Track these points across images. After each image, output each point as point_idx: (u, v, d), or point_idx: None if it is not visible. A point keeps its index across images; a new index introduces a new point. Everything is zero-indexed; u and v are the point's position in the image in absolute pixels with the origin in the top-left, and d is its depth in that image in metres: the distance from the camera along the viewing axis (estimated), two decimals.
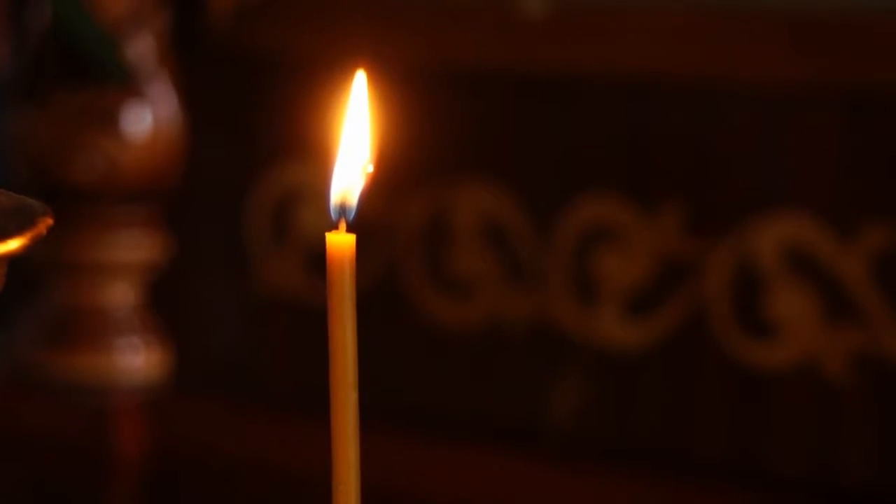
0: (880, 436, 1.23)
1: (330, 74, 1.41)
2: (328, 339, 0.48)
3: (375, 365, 1.19)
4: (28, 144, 1.45)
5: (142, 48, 1.43)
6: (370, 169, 0.51)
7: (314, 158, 1.33)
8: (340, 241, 0.48)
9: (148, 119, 1.43)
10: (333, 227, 0.49)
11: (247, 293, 1.46)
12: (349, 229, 0.49)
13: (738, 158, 1.28)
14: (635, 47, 1.32)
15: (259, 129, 1.46)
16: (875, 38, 1.24)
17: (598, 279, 1.32)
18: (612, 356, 1.31)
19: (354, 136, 0.52)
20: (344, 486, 0.49)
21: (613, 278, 1.31)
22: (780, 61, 1.27)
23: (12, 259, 0.48)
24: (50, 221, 0.50)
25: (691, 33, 1.30)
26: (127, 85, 1.42)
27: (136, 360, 1.45)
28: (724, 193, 1.27)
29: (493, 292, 1.35)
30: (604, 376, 1.32)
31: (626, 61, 1.32)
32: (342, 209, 0.50)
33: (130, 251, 1.45)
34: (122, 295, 1.46)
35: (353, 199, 0.51)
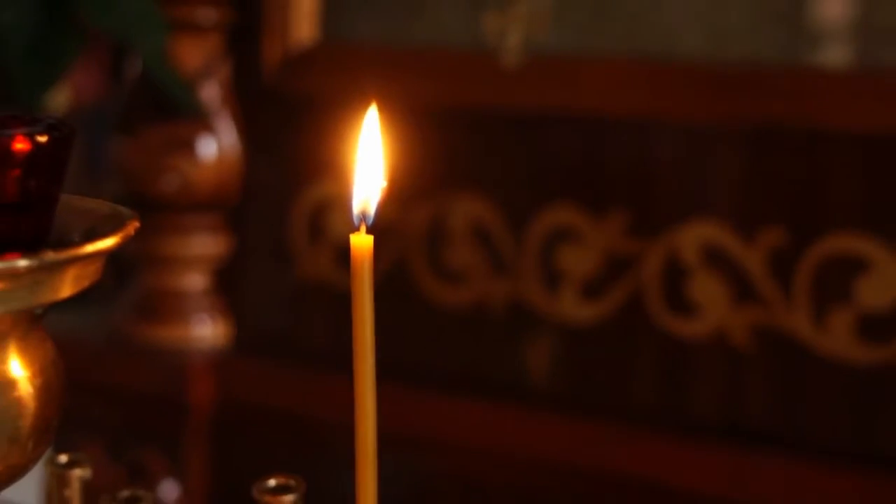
0: (776, 391, 1.23)
1: (354, 111, 1.41)
2: (352, 315, 0.50)
3: (388, 335, 1.19)
4: (123, 165, 1.46)
5: (211, 91, 1.45)
6: (384, 184, 0.53)
7: (342, 176, 1.33)
8: (362, 241, 0.50)
9: (214, 146, 1.45)
10: (356, 230, 0.51)
11: (289, 280, 1.46)
12: (368, 232, 0.51)
13: (667, 177, 1.28)
14: (589, 90, 1.31)
15: (299, 153, 1.45)
16: (771, 84, 1.25)
17: (560, 270, 1.32)
18: (570, 329, 1.31)
19: (372, 159, 0.54)
20: (363, 428, 0.51)
21: (571, 269, 1.31)
22: (699, 102, 1.26)
23: (110, 253, 0.50)
24: (137, 224, 0.51)
25: (632, 80, 1.30)
26: (199, 119, 1.44)
27: (205, 330, 1.47)
28: (656, 204, 1.28)
29: (479, 279, 1.36)
30: (564, 344, 1.32)
31: (581, 101, 1.31)
32: (363, 216, 0.52)
33: (201, 247, 1.46)
34: (194, 281, 1.47)
35: (371, 208, 0.52)
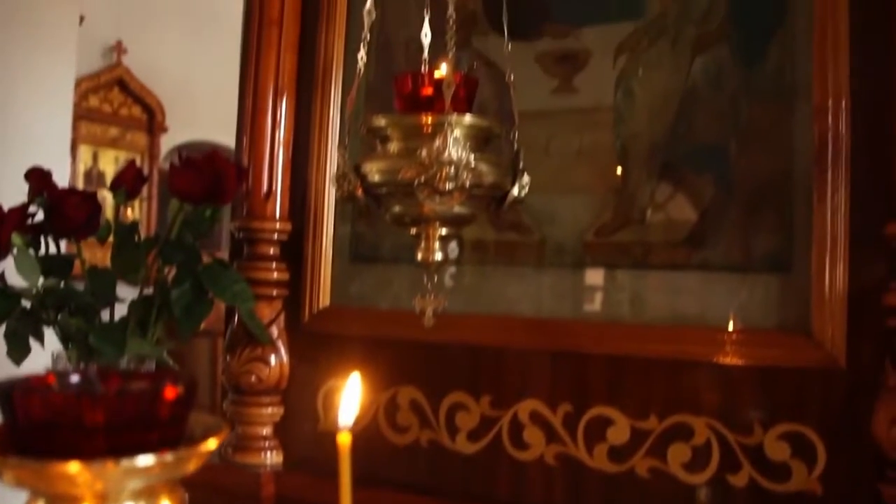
0: (568, 489, 1.23)
1: (348, 342, 1.43)
2: (339, 475, 0.50)
3: (365, 460, 1.14)
4: (228, 368, 1.43)
5: (274, 330, 1.43)
6: (358, 399, 0.54)
7: (340, 377, 1.32)
8: (344, 438, 0.50)
9: (275, 359, 1.43)
10: (342, 431, 0.51)
11: (313, 429, 1.42)
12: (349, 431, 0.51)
13: (511, 378, 1.26)
14: (468, 332, 1.30)
15: (319, 361, 1.43)
16: (561, 328, 1.25)
17: (457, 426, 1.29)
18: (462, 458, 1.28)
19: (353, 384, 0.55)
20: None
21: (463, 426, 1.29)
22: (526, 338, 1.26)
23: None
24: (228, 431, 0.53)
25: (491, 326, 1.30)
26: (268, 344, 1.43)
27: (269, 458, 1.44)
28: (506, 392, 1.26)
29: (414, 431, 1.31)
30: (459, 467, 1.29)
31: (464, 337, 1.30)
32: (345, 425, 0.52)
33: (267, 413, 1.43)
34: (265, 430, 1.44)
35: (352, 414, 0.53)
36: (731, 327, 1.16)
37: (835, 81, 1.10)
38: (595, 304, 1.26)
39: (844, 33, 1.10)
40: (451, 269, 1.36)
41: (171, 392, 0.51)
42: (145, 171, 5.06)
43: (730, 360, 1.15)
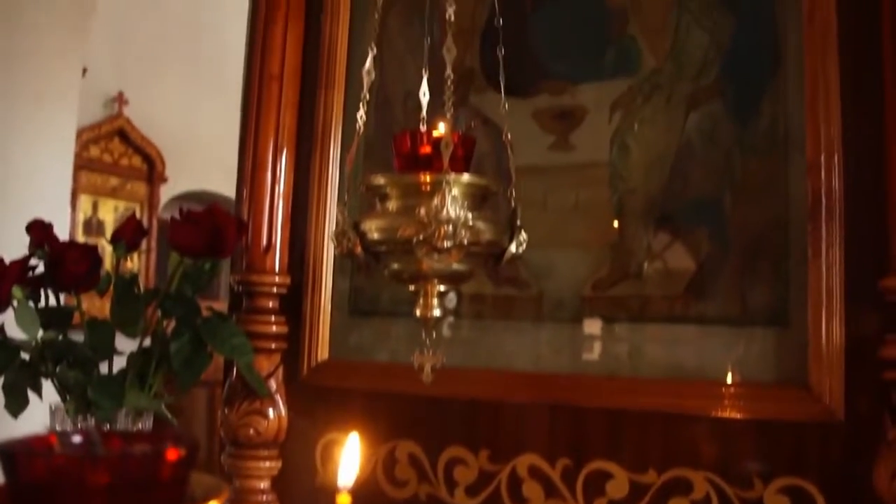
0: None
1: (346, 396, 1.43)
2: None
3: None
4: (226, 422, 1.42)
5: (273, 384, 1.43)
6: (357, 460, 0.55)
7: (339, 430, 1.33)
8: (344, 500, 0.51)
9: (273, 412, 1.43)
10: (341, 492, 0.51)
11: (311, 482, 1.42)
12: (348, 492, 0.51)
13: (509, 431, 1.27)
14: (467, 387, 1.31)
15: (317, 415, 1.43)
16: (560, 382, 1.26)
17: (455, 480, 1.29)
18: None
19: (352, 443, 0.56)
20: None
21: (461, 480, 1.28)
22: (525, 392, 1.27)
23: None
24: (227, 493, 0.53)
25: (490, 381, 1.30)
26: (266, 398, 1.42)
27: None
28: (505, 446, 1.26)
29: (413, 486, 1.33)
30: None
31: (463, 392, 1.31)
32: (345, 486, 0.53)
33: (266, 467, 1.42)
34: (263, 485, 1.44)
35: (352, 476, 0.54)
36: (729, 380, 1.17)
37: (827, 137, 1.12)
38: (593, 358, 1.27)
39: (835, 89, 1.12)
40: (450, 320, 1.36)
41: (173, 453, 0.52)
42: (144, 221, 5.10)
43: (728, 413, 1.15)
